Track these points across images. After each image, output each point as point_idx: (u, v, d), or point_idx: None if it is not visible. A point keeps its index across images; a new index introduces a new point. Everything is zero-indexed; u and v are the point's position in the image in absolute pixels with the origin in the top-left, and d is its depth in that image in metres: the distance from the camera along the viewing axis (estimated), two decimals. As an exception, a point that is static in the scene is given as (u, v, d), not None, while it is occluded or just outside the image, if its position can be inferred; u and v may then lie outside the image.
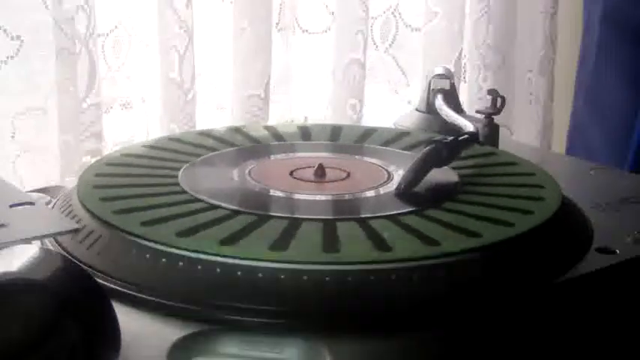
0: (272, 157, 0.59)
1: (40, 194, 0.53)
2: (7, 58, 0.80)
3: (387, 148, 0.60)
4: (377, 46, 1.09)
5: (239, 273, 0.40)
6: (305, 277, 0.40)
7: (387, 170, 0.55)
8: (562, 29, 1.21)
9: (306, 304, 0.40)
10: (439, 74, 0.67)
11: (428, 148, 0.53)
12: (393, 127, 0.68)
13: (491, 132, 0.64)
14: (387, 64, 1.10)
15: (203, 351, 0.38)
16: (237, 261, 0.41)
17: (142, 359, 0.37)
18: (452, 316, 0.41)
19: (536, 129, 1.22)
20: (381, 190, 0.52)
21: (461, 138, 0.56)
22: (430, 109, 0.67)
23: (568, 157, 0.96)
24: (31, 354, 0.32)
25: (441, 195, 0.51)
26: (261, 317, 0.39)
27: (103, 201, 0.48)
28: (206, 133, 0.62)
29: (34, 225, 0.41)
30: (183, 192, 0.50)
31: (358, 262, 0.41)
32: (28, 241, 0.39)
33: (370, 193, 0.52)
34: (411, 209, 0.48)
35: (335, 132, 0.63)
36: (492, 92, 0.65)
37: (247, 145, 0.60)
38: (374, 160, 0.57)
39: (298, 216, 0.47)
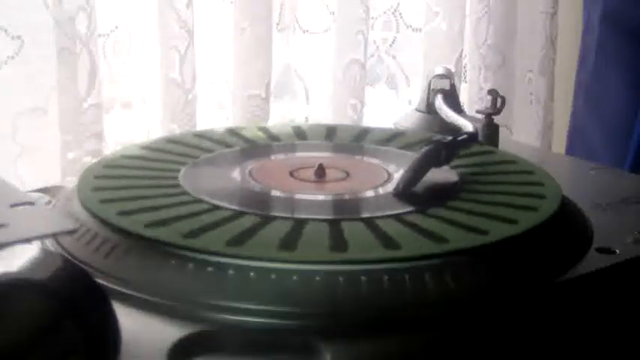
0: (272, 156, 0.59)
1: (40, 194, 0.53)
2: (8, 58, 0.81)
3: (388, 148, 0.60)
4: (377, 46, 1.09)
5: (190, 265, 0.41)
6: (252, 274, 0.40)
7: (386, 170, 0.55)
8: (562, 29, 1.21)
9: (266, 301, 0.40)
10: (439, 74, 0.67)
11: (427, 147, 0.53)
12: (392, 126, 0.68)
13: (491, 132, 0.64)
14: (387, 64, 1.10)
15: (203, 351, 0.38)
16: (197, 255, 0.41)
17: (141, 359, 0.37)
18: (452, 316, 0.41)
19: (536, 129, 1.22)
20: (380, 190, 0.52)
21: (460, 138, 0.56)
22: (430, 109, 0.67)
23: (568, 157, 0.96)
24: (31, 354, 0.32)
25: (439, 195, 0.51)
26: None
27: (103, 201, 0.48)
28: (207, 133, 0.62)
29: (34, 225, 0.41)
30: (185, 192, 0.50)
31: (314, 262, 0.41)
32: (28, 241, 0.39)
33: (368, 193, 0.51)
34: (411, 209, 0.48)
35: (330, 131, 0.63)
36: (492, 92, 0.65)
37: (249, 145, 0.60)
38: (374, 160, 0.57)
39: (272, 214, 0.47)
